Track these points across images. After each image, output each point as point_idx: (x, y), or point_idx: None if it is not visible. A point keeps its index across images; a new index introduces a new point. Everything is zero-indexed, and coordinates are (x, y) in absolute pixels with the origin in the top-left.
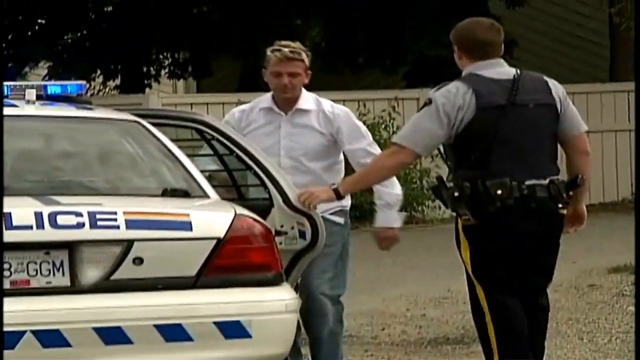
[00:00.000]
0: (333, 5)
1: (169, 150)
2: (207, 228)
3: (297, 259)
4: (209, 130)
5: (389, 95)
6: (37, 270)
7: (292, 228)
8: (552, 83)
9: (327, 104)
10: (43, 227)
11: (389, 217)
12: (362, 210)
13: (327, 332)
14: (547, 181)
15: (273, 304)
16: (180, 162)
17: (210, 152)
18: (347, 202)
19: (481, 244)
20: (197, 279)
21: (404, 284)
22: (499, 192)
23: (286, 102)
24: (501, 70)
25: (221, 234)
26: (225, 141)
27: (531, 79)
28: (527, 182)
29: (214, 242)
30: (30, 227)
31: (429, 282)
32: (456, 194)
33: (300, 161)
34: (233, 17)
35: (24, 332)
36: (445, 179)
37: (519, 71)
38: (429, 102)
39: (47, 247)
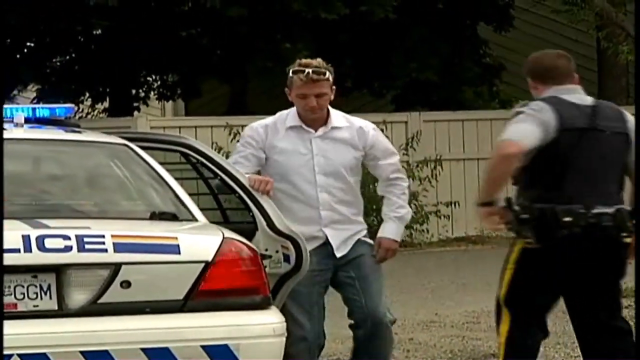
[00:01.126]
0: (320, 29)
1: (157, 174)
2: (195, 251)
3: (282, 282)
4: (194, 154)
5: (377, 119)
6: (24, 294)
7: (277, 252)
8: (626, 114)
9: (355, 119)
10: (31, 251)
11: (399, 231)
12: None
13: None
14: (613, 209)
15: (261, 328)
16: (168, 185)
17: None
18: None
19: (533, 269)
20: (185, 302)
21: (392, 308)
22: (567, 219)
23: (315, 121)
24: (580, 96)
25: (209, 258)
26: (210, 165)
27: (608, 107)
28: (595, 210)
29: (202, 265)
30: (18, 251)
31: (417, 305)
32: (524, 216)
33: (335, 177)
34: (221, 40)
35: (10, 356)
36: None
37: (594, 100)
38: (519, 113)
39: (35, 270)
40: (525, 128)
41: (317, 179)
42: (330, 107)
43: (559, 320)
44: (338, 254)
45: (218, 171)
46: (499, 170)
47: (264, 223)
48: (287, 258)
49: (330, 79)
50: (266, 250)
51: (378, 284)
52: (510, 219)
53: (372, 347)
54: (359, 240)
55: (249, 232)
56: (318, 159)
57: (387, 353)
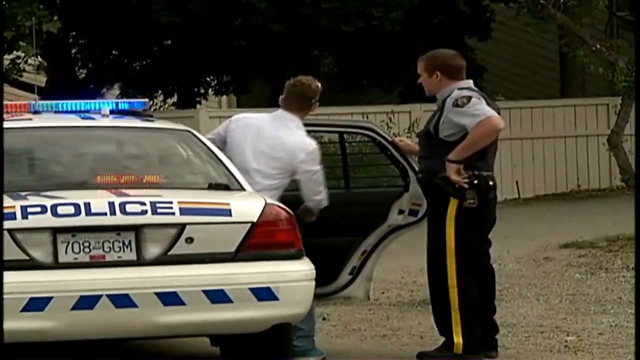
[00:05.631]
0: (342, 40)
1: (214, 154)
2: (244, 214)
3: (394, 231)
4: (374, 135)
5: (387, 109)
6: (110, 248)
7: (409, 208)
8: None
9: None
10: (115, 214)
11: None
12: None
13: None
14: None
15: (295, 274)
16: (222, 163)
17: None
18: None
19: (470, 225)
20: (236, 254)
21: (399, 257)
22: (491, 182)
23: None
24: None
25: (254, 219)
26: (384, 142)
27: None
28: (492, 175)
29: (249, 225)
30: (105, 214)
31: (419, 255)
32: (475, 181)
33: None
34: (264, 49)
35: (100, 296)
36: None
37: None
38: (467, 99)
39: (118, 229)
40: (490, 108)
41: None
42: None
43: (529, 267)
44: None
45: (389, 146)
46: (488, 140)
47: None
48: (414, 212)
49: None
50: (404, 207)
51: None
52: (445, 185)
53: None
54: None
55: (398, 193)
56: None
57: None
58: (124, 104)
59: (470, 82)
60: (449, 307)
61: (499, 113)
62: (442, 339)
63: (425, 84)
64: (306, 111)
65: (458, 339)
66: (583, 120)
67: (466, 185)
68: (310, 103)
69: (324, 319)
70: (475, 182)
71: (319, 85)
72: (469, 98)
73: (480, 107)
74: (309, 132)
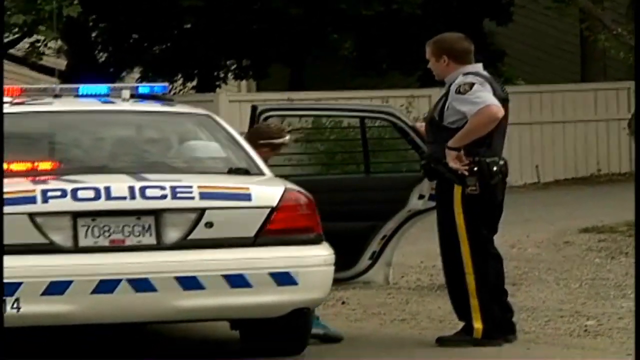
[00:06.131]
0: (362, 24)
1: (234, 138)
2: (263, 199)
3: (414, 216)
4: (394, 120)
5: (407, 94)
6: (130, 232)
7: (429, 193)
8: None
9: None
10: (135, 198)
11: None
12: None
13: None
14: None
15: (315, 259)
16: (242, 147)
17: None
18: None
19: (474, 211)
20: (255, 239)
21: (419, 242)
22: (495, 168)
23: None
24: (486, 72)
25: (274, 204)
26: (404, 127)
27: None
28: (502, 161)
29: (268, 210)
30: (125, 198)
31: (438, 240)
32: (475, 168)
33: None
34: (284, 33)
35: (120, 280)
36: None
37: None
38: (470, 86)
39: (138, 213)
40: (491, 96)
41: None
42: None
43: (549, 251)
44: None
45: (410, 131)
46: (486, 128)
47: None
48: (433, 197)
49: None
50: (424, 192)
51: None
52: (448, 172)
53: None
54: None
55: (418, 178)
56: None
57: None
58: (144, 87)
59: (478, 66)
60: (466, 293)
61: (507, 97)
62: (461, 324)
63: (434, 69)
64: (258, 150)
65: (478, 324)
66: (604, 105)
67: (466, 173)
68: (258, 143)
69: (343, 302)
70: (475, 169)
71: (284, 135)
72: (472, 85)
73: (481, 95)
74: (329, 116)
